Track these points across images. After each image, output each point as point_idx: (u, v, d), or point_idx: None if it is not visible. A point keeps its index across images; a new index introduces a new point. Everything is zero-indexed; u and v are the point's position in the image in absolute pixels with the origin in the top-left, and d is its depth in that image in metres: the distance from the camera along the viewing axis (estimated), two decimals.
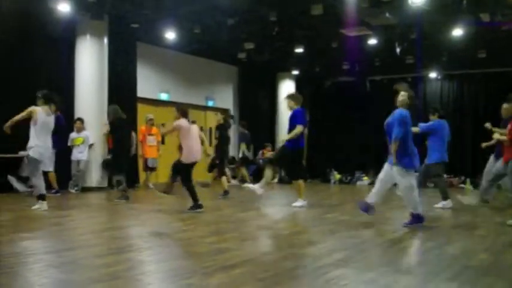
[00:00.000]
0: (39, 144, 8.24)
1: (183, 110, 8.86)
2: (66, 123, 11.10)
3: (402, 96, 7.25)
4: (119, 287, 3.97)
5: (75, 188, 11.67)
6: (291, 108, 9.52)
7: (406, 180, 6.99)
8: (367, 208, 7.47)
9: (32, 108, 8.24)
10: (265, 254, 5.42)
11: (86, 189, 11.83)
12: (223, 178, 11.29)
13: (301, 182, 9.62)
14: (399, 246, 6.00)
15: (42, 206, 8.29)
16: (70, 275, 4.33)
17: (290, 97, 9.74)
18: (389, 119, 7.16)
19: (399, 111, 7.10)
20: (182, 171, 8.68)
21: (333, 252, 5.33)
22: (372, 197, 7.42)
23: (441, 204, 9.37)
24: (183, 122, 8.64)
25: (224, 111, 17.54)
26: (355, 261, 4.96)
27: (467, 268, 4.75)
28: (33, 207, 8.30)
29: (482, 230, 7.11)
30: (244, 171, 15.75)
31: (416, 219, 7.07)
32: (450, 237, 6.59)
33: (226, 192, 11.02)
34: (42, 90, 8.57)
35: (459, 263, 4.93)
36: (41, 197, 8.34)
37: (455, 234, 6.92)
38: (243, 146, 15.97)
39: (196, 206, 8.55)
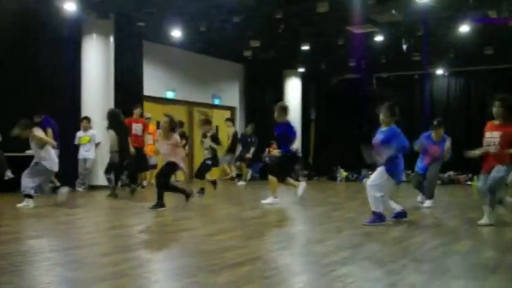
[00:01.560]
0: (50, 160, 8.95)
1: (175, 122, 9.00)
2: (57, 125, 11.19)
3: (383, 114, 7.31)
4: (125, 285, 3.97)
5: (82, 187, 11.71)
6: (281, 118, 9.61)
7: (380, 182, 7.08)
8: (401, 215, 7.45)
9: (40, 135, 8.95)
10: (271, 251, 5.41)
11: (92, 188, 11.89)
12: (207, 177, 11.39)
13: (275, 179, 9.65)
14: (405, 243, 5.97)
15: (29, 203, 8.71)
16: (76, 274, 4.33)
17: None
18: (382, 137, 7.18)
19: (393, 128, 7.19)
20: (169, 173, 8.96)
21: (340, 250, 5.31)
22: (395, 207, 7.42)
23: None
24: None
25: (228, 109, 17.62)
26: (361, 259, 4.95)
27: (474, 266, 4.72)
28: (19, 205, 8.67)
29: (489, 227, 7.07)
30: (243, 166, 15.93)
31: (379, 218, 7.09)
32: (456, 235, 6.56)
33: (202, 190, 11.03)
34: (20, 122, 8.86)
35: (466, 261, 4.91)
36: (28, 196, 8.78)
37: (461, 232, 6.89)
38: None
39: (161, 204, 8.60)
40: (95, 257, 5.02)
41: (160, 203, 8.57)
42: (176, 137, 8.82)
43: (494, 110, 6.95)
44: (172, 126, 8.77)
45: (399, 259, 4.93)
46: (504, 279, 4.34)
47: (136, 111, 12.32)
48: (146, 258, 5.08)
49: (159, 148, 9.10)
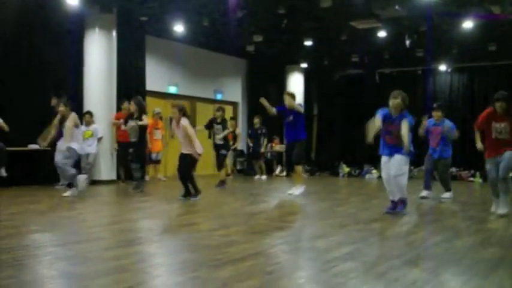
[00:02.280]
0: (79, 143, 9.53)
1: (184, 108, 9.25)
2: None
3: (400, 100, 7.46)
4: (127, 279, 3.97)
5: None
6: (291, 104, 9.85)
7: (405, 168, 7.50)
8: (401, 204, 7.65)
9: (75, 115, 9.44)
10: (273, 246, 5.41)
11: (94, 182, 11.89)
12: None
13: (300, 168, 10.16)
14: (408, 239, 5.97)
15: (74, 191, 9.32)
16: (79, 268, 4.34)
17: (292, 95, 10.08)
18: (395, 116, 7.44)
19: (406, 113, 7.46)
20: (190, 166, 9.23)
21: (342, 246, 5.31)
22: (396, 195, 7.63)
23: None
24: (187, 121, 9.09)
25: (232, 104, 17.61)
26: (363, 255, 4.95)
27: (477, 262, 4.71)
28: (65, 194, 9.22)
29: (492, 223, 7.07)
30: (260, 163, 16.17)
31: (405, 203, 7.55)
32: (459, 231, 6.56)
33: (222, 183, 11.44)
34: (64, 98, 9.43)
35: (469, 257, 4.90)
36: (70, 185, 9.37)
37: (464, 227, 6.88)
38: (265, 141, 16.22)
39: (197, 193, 9.16)
40: (97, 252, 5.02)
41: (197, 191, 9.14)
42: (185, 121, 8.98)
43: (499, 104, 7.47)
44: (183, 111, 9.10)
45: (401, 255, 4.92)
46: (506, 276, 4.33)
47: (125, 106, 12.24)
48: (148, 253, 5.09)
49: (177, 135, 9.33)
